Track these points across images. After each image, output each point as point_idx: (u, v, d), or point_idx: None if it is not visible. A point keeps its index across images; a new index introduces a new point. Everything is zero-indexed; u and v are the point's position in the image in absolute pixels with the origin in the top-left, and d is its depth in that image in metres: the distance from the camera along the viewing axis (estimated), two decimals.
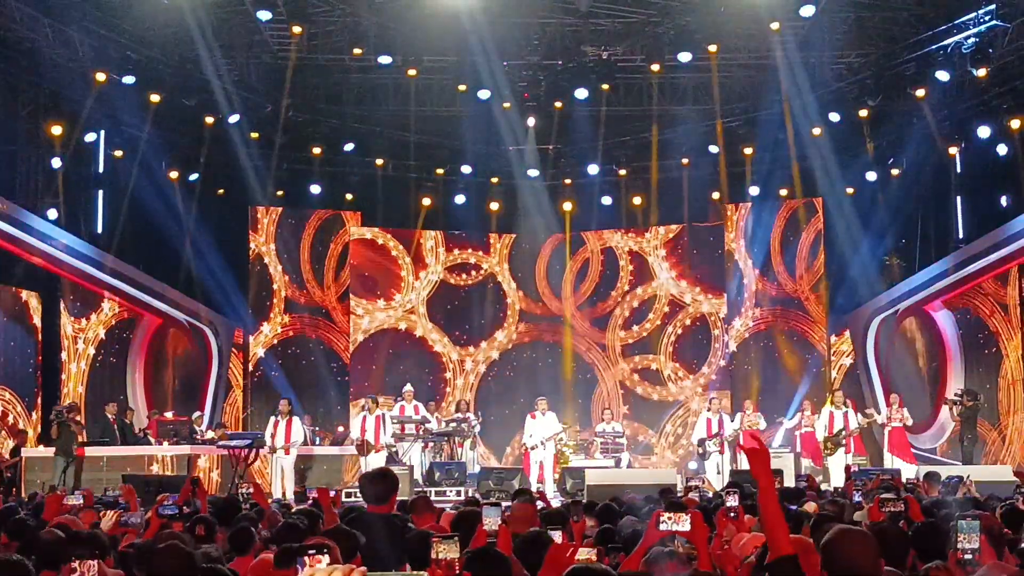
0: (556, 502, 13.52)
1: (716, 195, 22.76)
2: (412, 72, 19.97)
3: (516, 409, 21.97)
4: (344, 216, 23.05)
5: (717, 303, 22.95)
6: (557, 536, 4.99)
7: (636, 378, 23.37)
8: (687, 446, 21.99)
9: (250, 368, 22.11)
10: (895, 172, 20.77)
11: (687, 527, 4.82)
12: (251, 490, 9.47)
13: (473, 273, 23.89)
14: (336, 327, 22.96)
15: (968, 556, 4.23)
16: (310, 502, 10.72)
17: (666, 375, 23.25)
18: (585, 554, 4.52)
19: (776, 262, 22.49)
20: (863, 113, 19.80)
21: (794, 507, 7.42)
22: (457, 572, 4.13)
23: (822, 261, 22.00)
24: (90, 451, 16.50)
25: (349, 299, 22.99)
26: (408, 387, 20.70)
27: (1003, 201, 19.05)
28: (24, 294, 18.14)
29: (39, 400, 18.13)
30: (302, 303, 22.73)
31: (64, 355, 18.47)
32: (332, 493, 8.26)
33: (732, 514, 6.53)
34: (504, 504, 6.99)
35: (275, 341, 22.45)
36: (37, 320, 18.35)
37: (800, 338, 22.22)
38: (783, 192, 22.19)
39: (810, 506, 7.95)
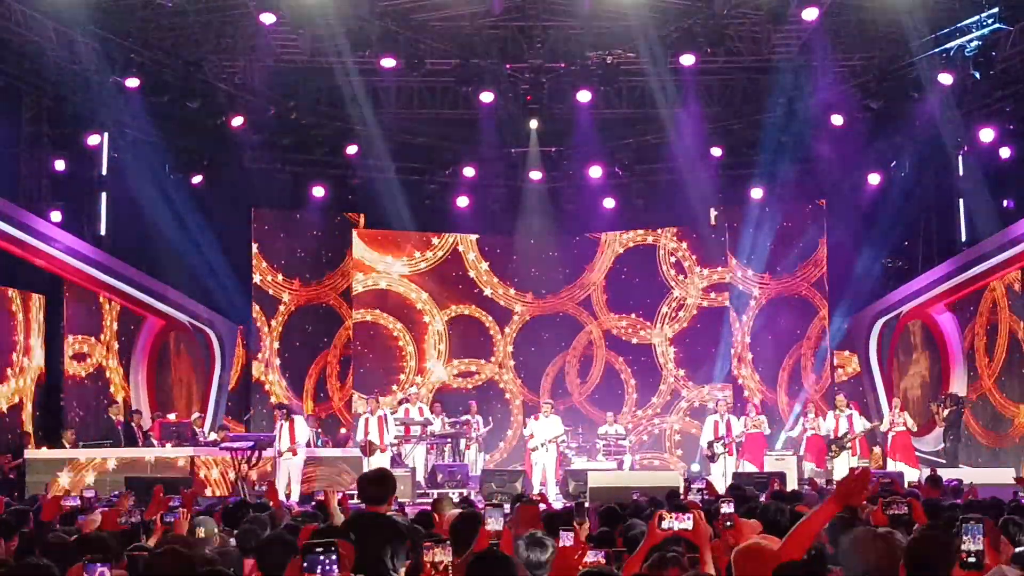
0: (558, 504, 13.54)
1: (719, 197, 22.78)
2: (415, 75, 20.00)
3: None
4: (347, 218, 23.12)
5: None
6: (567, 538, 5.00)
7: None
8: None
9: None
10: (898, 175, 20.77)
11: (689, 526, 4.82)
12: (263, 488, 9.52)
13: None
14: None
15: (972, 559, 4.22)
16: (313, 504, 10.73)
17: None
18: (593, 557, 4.52)
19: (778, 267, 22.44)
20: (866, 115, 19.80)
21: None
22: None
23: (824, 267, 21.97)
24: (95, 453, 16.58)
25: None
26: (413, 388, 20.70)
27: (1006, 204, 19.06)
28: (27, 296, 18.15)
29: (43, 402, 18.15)
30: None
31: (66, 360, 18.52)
32: (339, 495, 8.29)
33: (728, 523, 6.49)
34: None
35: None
36: (40, 322, 18.36)
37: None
38: (786, 194, 22.18)
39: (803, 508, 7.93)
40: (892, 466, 18.04)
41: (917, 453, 19.02)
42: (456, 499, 15.03)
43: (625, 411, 22.98)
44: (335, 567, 2.95)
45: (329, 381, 22.79)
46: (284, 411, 17.67)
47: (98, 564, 4.27)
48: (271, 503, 9.33)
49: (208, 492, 16.36)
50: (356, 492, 6.96)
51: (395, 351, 23.27)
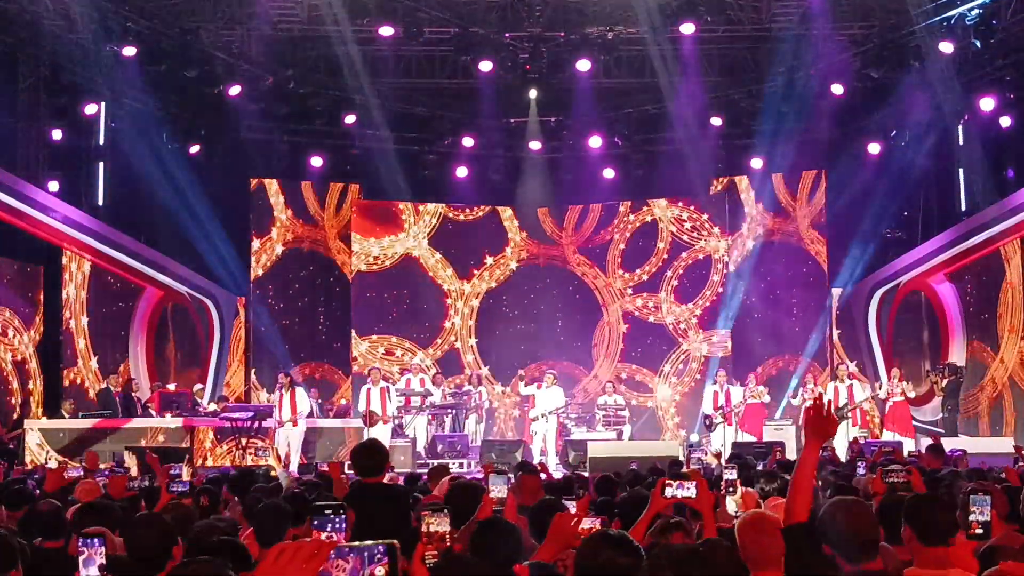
0: (558, 475, 13.56)
1: (719, 167, 22.72)
2: (414, 43, 19.88)
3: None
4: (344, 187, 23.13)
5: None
6: (571, 506, 5.00)
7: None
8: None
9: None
10: (898, 144, 20.71)
11: (692, 493, 4.84)
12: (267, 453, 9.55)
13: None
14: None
15: (979, 530, 4.27)
16: (315, 475, 10.75)
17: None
18: (589, 523, 4.51)
19: (778, 233, 22.50)
20: (867, 84, 19.71)
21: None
22: (448, 545, 4.11)
23: (825, 238, 21.97)
24: (94, 423, 16.62)
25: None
26: (416, 360, 20.78)
27: (1006, 173, 19.01)
28: (25, 266, 18.13)
29: (41, 373, 18.14)
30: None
31: (71, 323, 18.49)
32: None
33: (731, 489, 6.52)
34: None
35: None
36: (39, 292, 18.33)
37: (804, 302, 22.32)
38: (786, 164, 22.12)
39: None
40: (889, 435, 18.08)
41: (915, 423, 19.06)
42: (456, 469, 15.12)
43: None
44: (343, 526, 2.94)
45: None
46: (288, 379, 17.77)
47: (95, 539, 4.19)
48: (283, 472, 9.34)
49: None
50: (351, 463, 6.98)
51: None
